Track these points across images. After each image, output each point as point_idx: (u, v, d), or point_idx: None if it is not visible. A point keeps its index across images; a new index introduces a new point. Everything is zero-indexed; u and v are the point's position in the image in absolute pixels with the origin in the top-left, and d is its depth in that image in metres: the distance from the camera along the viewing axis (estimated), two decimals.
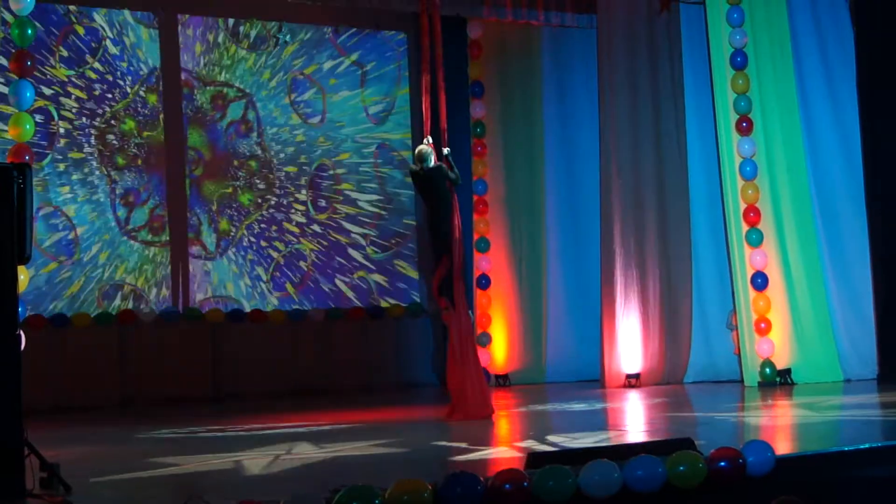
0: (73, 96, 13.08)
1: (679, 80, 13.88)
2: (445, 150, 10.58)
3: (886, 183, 12.77)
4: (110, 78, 13.29)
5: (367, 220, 14.53)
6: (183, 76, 13.67)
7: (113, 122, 13.28)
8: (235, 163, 13.93)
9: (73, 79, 13.09)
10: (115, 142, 13.28)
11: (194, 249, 13.60)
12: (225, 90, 13.90)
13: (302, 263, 14.16)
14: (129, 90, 13.38)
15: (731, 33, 12.89)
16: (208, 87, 13.81)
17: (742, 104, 12.80)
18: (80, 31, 13.16)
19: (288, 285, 14.06)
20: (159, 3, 13.50)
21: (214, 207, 13.74)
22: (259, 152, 14.04)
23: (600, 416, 10.76)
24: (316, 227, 14.25)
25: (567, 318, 14.47)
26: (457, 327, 10.34)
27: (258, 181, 14.01)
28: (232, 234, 13.81)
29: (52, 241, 12.86)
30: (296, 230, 14.16)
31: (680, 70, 13.89)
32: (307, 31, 14.40)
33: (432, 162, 10.48)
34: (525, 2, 13.62)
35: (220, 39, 13.91)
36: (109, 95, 13.29)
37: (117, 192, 13.25)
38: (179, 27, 13.70)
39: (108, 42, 13.30)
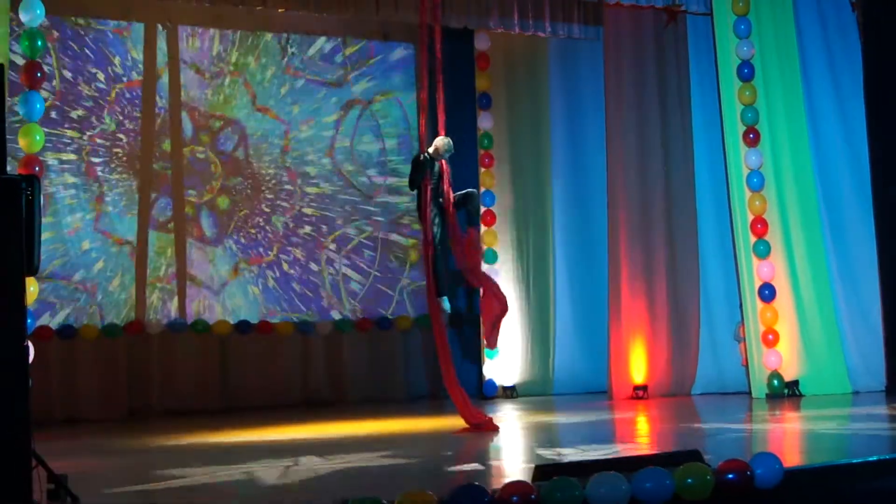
0: (81, 107, 13.10)
1: (686, 92, 13.87)
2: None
3: (895, 194, 12.76)
4: (117, 90, 13.31)
5: (376, 232, 14.52)
6: (187, 89, 13.68)
7: (120, 133, 13.30)
8: (240, 176, 13.94)
9: (82, 89, 13.11)
10: (122, 152, 13.29)
11: (202, 262, 13.60)
12: (230, 104, 13.93)
13: (310, 276, 14.16)
14: (137, 101, 13.40)
15: (738, 45, 12.90)
16: (213, 98, 13.83)
17: (749, 115, 12.81)
18: (88, 41, 13.18)
19: (296, 297, 14.06)
20: (166, 15, 13.52)
21: (222, 219, 13.75)
22: (266, 165, 14.05)
23: (608, 428, 10.75)
24: (324, 240, 14.25)
25: (574, 329, 14.46)
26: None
27: (265, 194, 14.02)
28: (240, 245, 13.82)
29: (60, 252, 12.86)
30: (305, 242, 14.15)
31: (687, 81, 13.88)
32: (315, 43, 14.42)
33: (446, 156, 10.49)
34: (532, 14, 13.63)
35: (227, 51, 13.93)
36: (118, 107, 13.31)
37: (124, 202, 13.26)
38: (186, 39, 13.71)
39: (114, 53, 13.32)
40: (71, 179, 13.00)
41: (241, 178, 13.93)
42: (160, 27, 13.55)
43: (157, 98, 13.51)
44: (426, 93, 10.63)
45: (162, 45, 13.56)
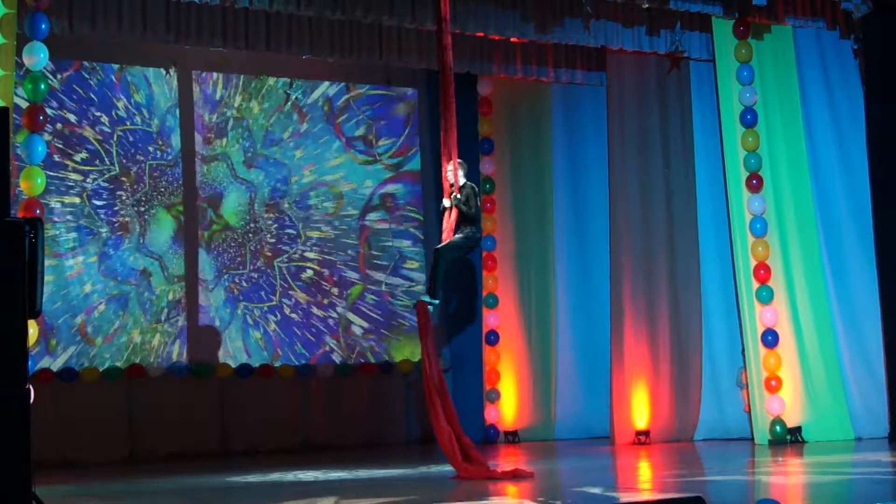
0: (84, 150, 13.13)
1: (689, 138, 13.91)
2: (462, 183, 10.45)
3: None
4: (122, 132, 13.34)
5: (377, 276, 14.53)
6: (191, 133, 13.71)
7: (124, 176, 13.31)
8: (242, 219, 13.95)
9: (86, 133, 13.14)
10: (126, 196, 13.31)
11: (203, 303, 13.59)
12: (233, 147, 13.96)
13: (311, 320, 14.14)
14: (139, 143, 13.43)
15: (740, 91, 12.95)
16: (218, 143, 13.86)
17: (752, 161, 12.84)
18: (93, 84, 13.23)
19: (297, 341, 14.03)
20: (172, 59, 13.57)
21: (224, 264, 13.75)
22: (270, 209, 14.06)
23: (610, 474, 10.71)
24: (326, 284, 14.25)
25: (576, 374, 14.43)
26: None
27: (268, 236, 14.03)
28: (241, 289, 13.81)
29: (62, 294, 12.85)
30: (306, 286, 14.15)
31: (690, 127, 13.92)
32: (318, 88, 14.47)
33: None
34: (535, 59, 13.69)
35: (231, 95, 13.97)
36: (121, 150, 13.33)
37: (126, 245, 13.26)
38: (190, 82, 13.76)
39: (120, 96, 13.36)
40: (73, 222, 12.99)
41: (244, 221, 13.94)
42: (164, 71, 13.59)
43: (161, 141, 13.54)
44: (451, 134, 10.47)
45: (166, 88, 13.60)
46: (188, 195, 13.67)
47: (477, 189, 10.57)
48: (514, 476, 9.94)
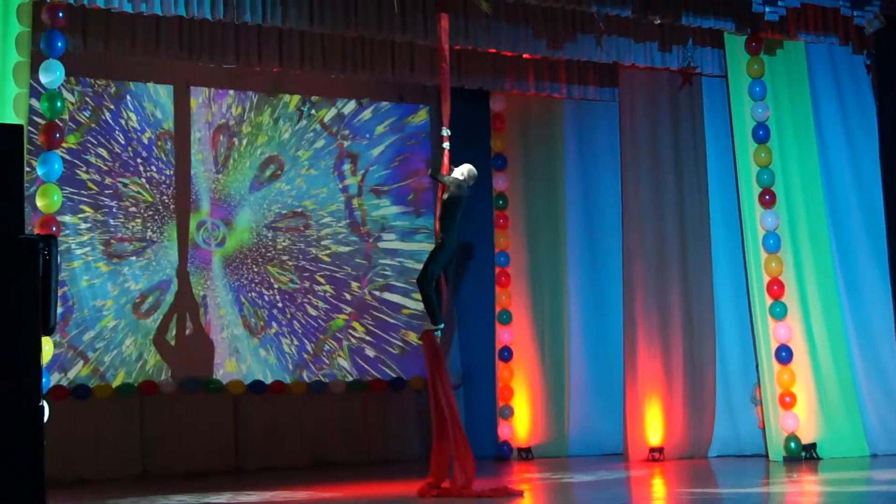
0: (96, 166, 13.15)
1: (702, 153, 13.88)
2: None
3: None
4: (133, 149, 13.35)
5: (390, 291, 14.53)
6: (203, 149, 13.74)
7: (136, 193, 13.33)
8: (254, 236, 13.96)
9: (98, 149, 13.16)
10: (138, 212, 13.32)
11: (216, 320, 13.60)
12: (245, 164, 13.98)
13: (323, 335, 14.14)
14: (153, 161, 13.45)
15: (753, 107, 12.95)
16: (230, 159, 13.88)
17: (765, 177, 12.83)
18: (106, 102, 13.26)
19: (308, 357, 14.03)
20: (185, 77, 13.59)
21: (237, 279, 13.76)
22: (282, 226, 14.07)
23: (624, 491, 10.68)
24: (338, 301, 14.25)
25: (590, 390, 14.38)
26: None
27: (280, 253, 14.04)
28: (254, 305, 13.82)
29: (74, 311, 12.87)
30: (319, 302, 14.15)
31: (702, 143, 13.90)
32: (330, 105, 14.48)
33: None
34: (547, 75, 13.70)
35: (245, 112, 14.00)
36: (132, 166, 13.35)
37: (139, 261, 13.27)
38: (205, 101, 13.79)
39: (132, 114, 13.38)
40: (86, 238, 13.01)
41: (255, 237, 13.95)
42: (176, 88, 13.61)
43: (174, 158, 13.56)
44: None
45: (180, 106, 13.62)
46: (200, 212, 13.68)
47: (460, 189, 10.44)
48: (503, 494, 9.90)
